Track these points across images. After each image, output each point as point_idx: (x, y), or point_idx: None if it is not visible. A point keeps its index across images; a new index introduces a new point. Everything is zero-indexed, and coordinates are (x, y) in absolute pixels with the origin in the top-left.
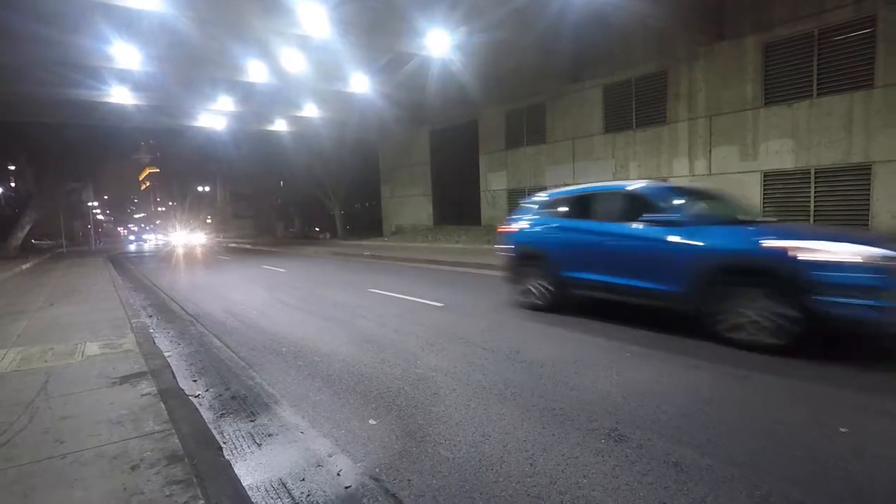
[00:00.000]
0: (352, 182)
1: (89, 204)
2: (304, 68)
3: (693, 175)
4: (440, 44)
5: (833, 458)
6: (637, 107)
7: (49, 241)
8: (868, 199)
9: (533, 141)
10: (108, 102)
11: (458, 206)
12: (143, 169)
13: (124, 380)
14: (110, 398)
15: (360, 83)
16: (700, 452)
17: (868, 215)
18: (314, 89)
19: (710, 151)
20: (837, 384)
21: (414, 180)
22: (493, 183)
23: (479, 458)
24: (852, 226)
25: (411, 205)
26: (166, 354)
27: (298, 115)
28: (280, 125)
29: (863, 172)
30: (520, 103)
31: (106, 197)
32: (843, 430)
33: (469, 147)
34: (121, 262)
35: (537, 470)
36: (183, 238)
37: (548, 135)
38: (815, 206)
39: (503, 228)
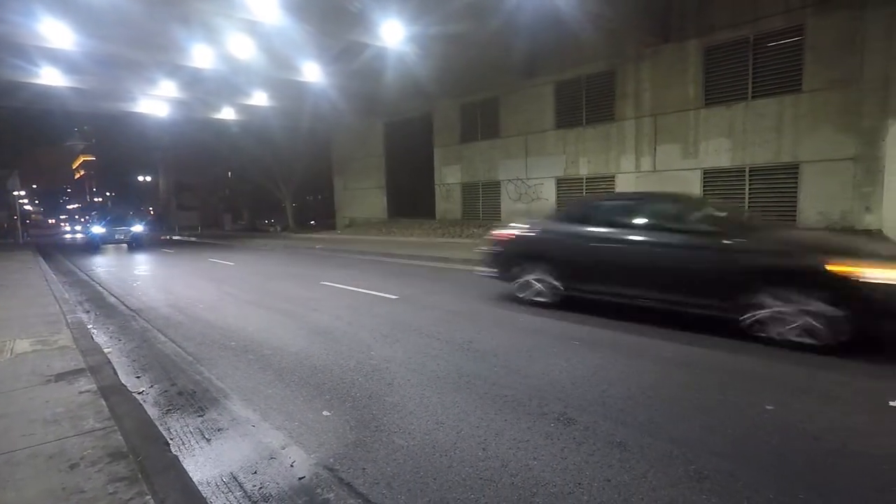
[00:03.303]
0: (304, 174)
1: (15, 193)
2: (254, 55)
3: (639, 171)
4: (395, 35)
5: (761, 433)
6: (587, 104)
7: None
8: (796, 197)
9: (487, 135)
10: (36, 84)
11: (412, 199)
12: (76, 157)
13: (60, 377)
14: (45, 396)
15: (313, 72)
16: (642, 432)
17: (796, 211)
18: (265, 77)
19: (655, 149)
20: (767, 366)
21: (368, 173)
22: (448, 176)
23: (432, 445)
24: (783, 221)
25: (365, 197)
26: (106, 350)
27: (247, 103)
28: (228, 113)
29: (791, 172)
30: (474, 97)
31: (35, 186)
32: (769, 407)
33: (424, 140)
34: (53, 254)
35: (489, 454)
36: None
37: (501, 129)
38: (749, 203)
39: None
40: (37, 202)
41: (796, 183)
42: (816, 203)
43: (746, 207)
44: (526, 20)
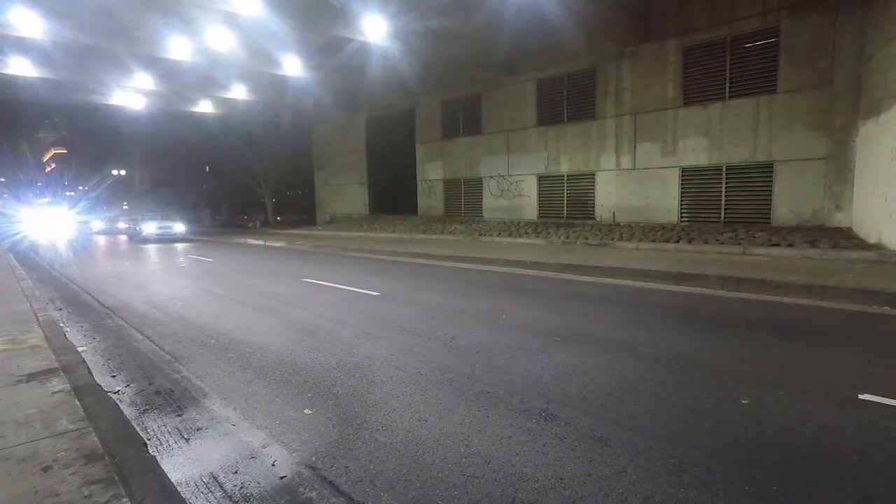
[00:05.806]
0: (284, 169)
1: None
2: (233, 47)
3: (619, 169)
4: (378, 30)
5: (736, 427)
6: (568, 102)
7: None
8: (770, 195)
9: (469, 131)
10: (4, 73)
11: (394, 195)
12: (47, 149)
13: (31, 377)
14: (16, 398)
15: (294, 66)
16: (622, 427)
17: (770, 209)
18: (244, 70)
19: (635, 147)
20: (743, 362)
21: (349, 168)
22: (430, 172)
23: (415, 443)
24: (757, 219)
25: (346, 193)
26: (80, 349)
27: (226, 96)
28: (206, 106)
29: (766, 171)
30: (457, 93)
31: (3, 179)
32: (744, 401)
33: (406, 136)
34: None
35: (472, 451)
36: None
37: (483, 126)
38: (725, 201)
39: None
40: (5, 196)
41: (771, 181)
42: (789, 201)
43: (723, 205)
44: (509, 17)
